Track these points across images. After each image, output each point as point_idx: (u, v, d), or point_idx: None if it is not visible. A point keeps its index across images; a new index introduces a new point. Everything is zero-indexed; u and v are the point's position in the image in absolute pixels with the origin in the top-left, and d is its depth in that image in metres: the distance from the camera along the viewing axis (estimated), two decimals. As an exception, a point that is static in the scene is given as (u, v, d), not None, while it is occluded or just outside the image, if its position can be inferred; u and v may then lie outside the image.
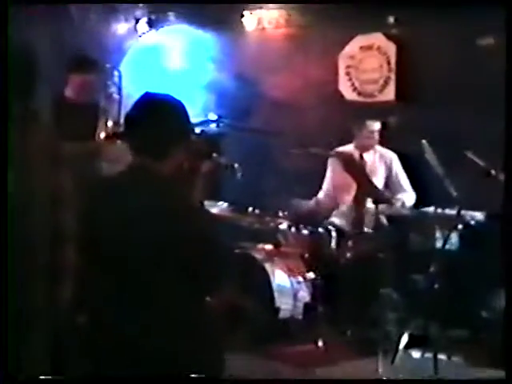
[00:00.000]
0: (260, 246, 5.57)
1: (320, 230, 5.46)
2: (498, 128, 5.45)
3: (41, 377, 2.45)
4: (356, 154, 5.80)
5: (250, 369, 4.49)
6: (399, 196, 5.67)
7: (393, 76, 6.13)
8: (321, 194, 6.06)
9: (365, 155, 5.85)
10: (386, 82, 6.17)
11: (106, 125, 5.09)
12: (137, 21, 7.08)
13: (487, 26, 5.53)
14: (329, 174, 6.07)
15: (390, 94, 6.15)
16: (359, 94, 6.33)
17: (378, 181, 5.66)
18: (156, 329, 2.44)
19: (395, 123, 5.81)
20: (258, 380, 3.94)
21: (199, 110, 6.47)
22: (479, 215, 4.92)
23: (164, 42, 7.19)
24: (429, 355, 4.53)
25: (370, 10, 5.98)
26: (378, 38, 6.22)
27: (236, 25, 6.83)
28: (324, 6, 6.21)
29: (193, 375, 2.42)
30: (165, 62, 7.21)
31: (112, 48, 6.79)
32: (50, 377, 2.45)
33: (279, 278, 5.26)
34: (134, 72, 6.74)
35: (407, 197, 5.72)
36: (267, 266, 5.28)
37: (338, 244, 5.35)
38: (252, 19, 6.79)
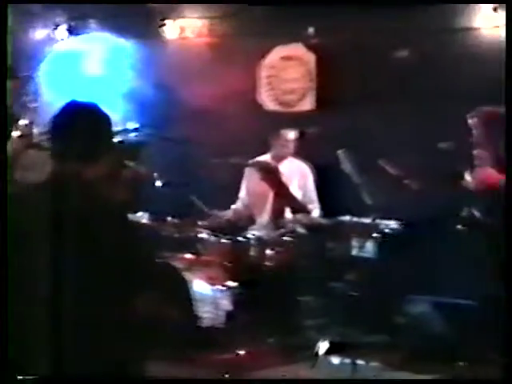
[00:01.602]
0: (180, 255, 5.56)
1: (239, 238, 5.49)
2: (411, 137, 5.66)
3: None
4: (272, 165, 5.81)
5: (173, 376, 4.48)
6: (309, 207, 5.72)
7: (313, 86, 6.23)
8: (238, 204, 6.07)
9: (280, 166, 5.82)
10: (307, 92, 6.26)
11: (21, 134, 4.99)
12: (56, 27, 6.97)
13: (402, 39, 5.72)
14: (245, 183, 6.06)
15: (310, 103, 6.24)
16: (279, 103, 6.40)
17: (294, 191, 5.64)
18: (80, 332, 2.43)
19: (313, 133, 5.88)
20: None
21: (119, 118, 6.41)
22: (394, 223, 5.04)
23: (84, 48, 7.10)
24: (347, 361, 4.61)
25: (290, 21, 6.07)
26: (298, 49, 6.30)
27: (157, 33, 6.81)
28: (246, 16, 6.26)
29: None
30: (85, 69, 7.12)
31: (28, 54, 6.66)
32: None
33: (199, 286, 5.26)
34: (53, 79, 6.63)
35: (313, 210, 5.73)
36: (187, 274, 5.28)
37: (257, 252, 5.38)
38: (174, 28, 6.78)
